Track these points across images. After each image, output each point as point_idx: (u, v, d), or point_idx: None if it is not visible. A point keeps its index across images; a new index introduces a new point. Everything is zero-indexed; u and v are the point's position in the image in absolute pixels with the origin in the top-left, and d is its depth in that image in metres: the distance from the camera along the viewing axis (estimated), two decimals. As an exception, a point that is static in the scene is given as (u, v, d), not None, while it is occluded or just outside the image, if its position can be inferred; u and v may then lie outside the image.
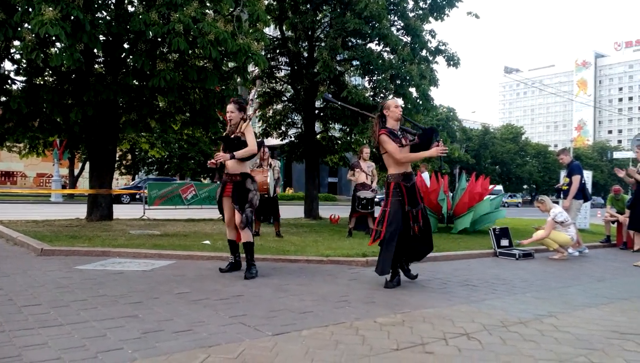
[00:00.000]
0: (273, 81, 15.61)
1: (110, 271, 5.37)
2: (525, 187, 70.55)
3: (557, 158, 9.35)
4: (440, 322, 3.65)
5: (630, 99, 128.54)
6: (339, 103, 6.04)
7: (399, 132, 5.01)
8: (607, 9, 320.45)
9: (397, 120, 4.99)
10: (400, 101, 5.05)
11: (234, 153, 5.06)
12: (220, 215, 5.53)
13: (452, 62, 13.95)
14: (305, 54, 14.57)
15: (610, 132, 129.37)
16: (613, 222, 10.22)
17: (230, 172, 5.20)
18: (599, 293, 4.99)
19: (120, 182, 39.08)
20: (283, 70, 15.63)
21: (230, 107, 5.22)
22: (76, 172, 32.83)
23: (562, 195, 9.00)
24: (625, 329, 3.60)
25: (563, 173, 12.15)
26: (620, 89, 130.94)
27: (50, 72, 10.51)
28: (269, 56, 14.52)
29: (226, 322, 3.47)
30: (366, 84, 14.47)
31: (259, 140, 6.22)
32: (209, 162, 5.25)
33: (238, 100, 5.35)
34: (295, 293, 4.50)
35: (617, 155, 52.89)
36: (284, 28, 14.37)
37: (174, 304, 3.95)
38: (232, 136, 5.19)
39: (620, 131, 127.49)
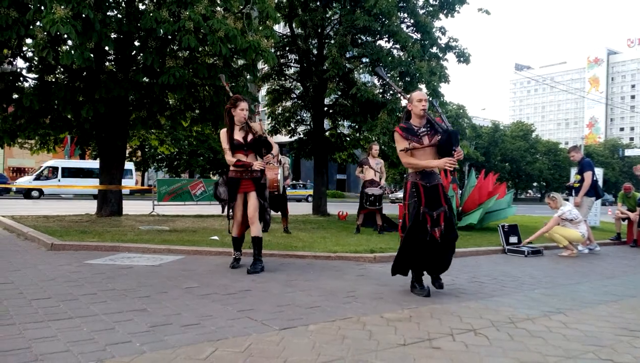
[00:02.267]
0: (282, 78, 15.63)
1: (119, 266, 5.42)
2: (535, 184, 70.07)
3: (568, 155, 9.27)
4: (448, 317, 3.64)
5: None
6: (388, 78, 5.41)
7: (422, 129, 4.41)
8: (619, 5, 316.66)
9: (420, 116, 4.42)
10: (423, 93, 4.55)
11: (272, 153, 5.28)
12: (225, 212, 5.54)
13: (462, 59, 13.89)
14: (315, 51, 14.58)
15: (622, 129, 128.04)
16: (624, 220, 10.12)
17: (254, 169, 5.24)
18: (608, 291, 4.95)
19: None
20: (292, 68, 15.65)
21: (245, 105, 5.20)
22: (87, 168, 33.07)
23: (573, 193, 8.92)
24: (634, 326, 3.57)
25: (574, 170, 12.05)
26: (633, 86, 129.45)
27: (62, 69, 10.60)
28: (278, 53, 14.56)
29: (234, 316, 3.48)
30: (375, 81, 14.45)
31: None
32: (259, 165, 5.23)
33: (247, 99, 5.38)
34: (302, 288, 4.51)
35: (628, 152, 52.40)
36: (293, 25, 14.38)
37: (182, 298, 3.97)
38: (259, 137, 5.22)
39: (632, 128, 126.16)
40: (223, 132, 5.25)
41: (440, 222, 4.36)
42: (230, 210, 5.42)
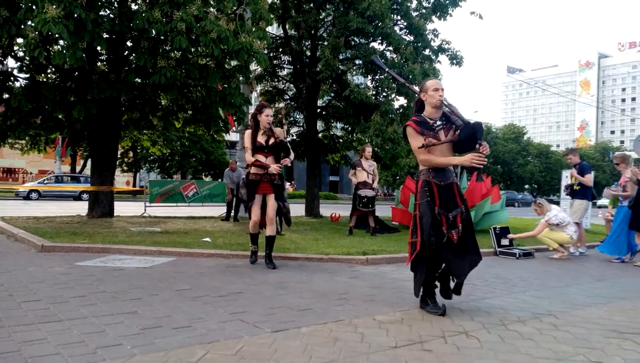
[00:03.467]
0: (275, 80, 15.61)
1: (110, 267, 5.38)
2: (526, 186, 70.49)
3: (565, 158, 9.27)
4: (439, 320, 3.65)
5: (633, 99, 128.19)
6: (387, 69, 5.21)
7: (437, 123, 3.95)
8: (611, 9, 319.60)
9: (437, 107, 3.94)
10: (439, 81, 4.11)
11: (289, 158, 5.77)
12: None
13: (455, 61, 13.96)
14: (308, 53, 14.58)
15: (612, 132, 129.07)
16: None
17: (271, 172, 5.60)
18: (598, 293, 4.99)
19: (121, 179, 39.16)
20: (286, 69, 15.63)
21: (270, 111, 5.71)
22: (78, 169, 32.88)
23: (572, 195, 8.86)
24: (624, 328, 3.60)
25: (565, 172, 12.12)
26: (624, 89, 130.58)
27: (54, 69, 10.53)
28: (271, 55, 14.54)
29: (225, 319, 3.47)
30: (369, 83, 14.48)
31: None
32: (275, 168, 5.57)
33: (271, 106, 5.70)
34: (294, 290, 4.51)
35: (619, 155, 52.75)
36: (286, 27, 14.38)
37: (174, 301, 3.96)
38: (280, 141, 5.71)
39: (622, 131, 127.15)
40: (248, 133, 5.67)
41: (457, 224, 3.88)
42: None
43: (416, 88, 4.24)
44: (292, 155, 5.89)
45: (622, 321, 3.83)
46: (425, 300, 3.95)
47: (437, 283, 4.01)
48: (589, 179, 8.57)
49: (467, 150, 3.87)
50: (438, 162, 3.87)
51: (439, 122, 3.96)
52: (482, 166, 3.71)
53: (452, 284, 4.06)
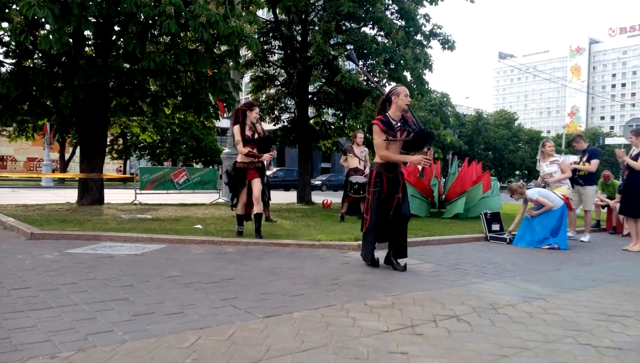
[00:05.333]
0: (266, 65, 15.47)
1: (100, 255, 5.35)
2: (517, 172, 70.97)
3: (572, 144, 9.20)
4: (430, 304, 3.67)
5: (624, 85, 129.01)
6: (360, 65, 5.85)
7: (398, 123, 4.87)
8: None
9: (402, 110, 4.86)
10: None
11: (272, 148, 6.66)
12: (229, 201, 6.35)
13: (447, 45, 13.88)
14: (299, 38, 14.43)
15: (602, 118, 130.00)
16: (603, 207, 10.29)
17: (256, 160, 6.55)
18: (587, 277, 5.04)
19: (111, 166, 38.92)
20: (276, 54, 15.49)
21: (258, 110, 6.59)
22: (67, 156, 32.59)
23: (582, 182, 8.75)
24: (612, 311, 3.64)
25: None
26: (614, 75, 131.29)
27: (40, 54, 10.36)
28: (262, 40, 14.38)
29: (217, 305, 3.47)
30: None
31: None
32: (267, 157, 6.58)
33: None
34: (286, 276, 4.51)
35: (609, 141, 53.16)
36: (277, 11, 14.21)
37: (165, 287, 3.94)
38: (264, 136, 6.60)
39: (612, 117, 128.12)
40: (237, 128, 6.43)
41: (392, 206, 4.92)
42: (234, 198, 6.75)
43: (385, 90, 5.24)
44: (273, 147, 6.85)
45: (611, 304, 3.88)
46: (367, 256, 5.09)
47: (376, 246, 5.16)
48: (595, 164, 8.50)
49: (414, 150, 4.91)
50: (394, 159, 4.86)
51: (399, 123, 4.86)
52: (428, 166, 4.92)
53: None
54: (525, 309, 3.62)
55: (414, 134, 4.76)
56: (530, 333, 3.06)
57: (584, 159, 8.69)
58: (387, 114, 4.87)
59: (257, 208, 6.60)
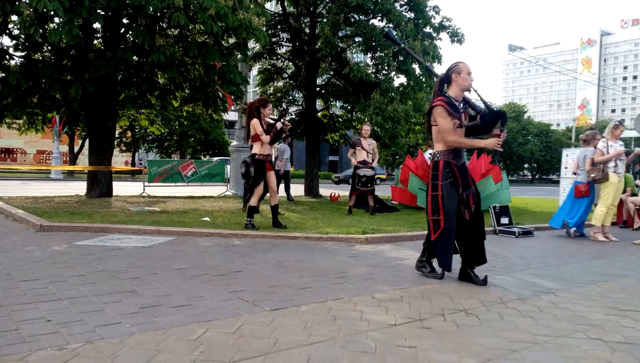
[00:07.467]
0: (274, 57, 15.43)
1: (109, 247, 5.38)
2: (526, 166, 70.46)
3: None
4: (439, 298, 3.65)
5: (635, 77, 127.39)
6: (402, 44, 5.19)
7: (461, 105, 4.17)
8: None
9: (466, 90, 4.18)
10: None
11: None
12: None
13: (456, 38, 13.74)
14: (307, 30, 14.37)
15: (613, 111, 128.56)
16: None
17: (270, 153, 6.99)
18: (597, 271, 4.99)
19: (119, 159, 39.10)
20: (284, 47, 15.44)
21: (270, 105, 6.98)
22: (76, 149, 32.73)
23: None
24: (623, 306, 3.60)
25: (566, 151, 12.04)
26: (625, 67, 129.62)
27: (49, 47, 10.38)
28: (270, 32, 14.33)
29: (225, 297, 3.47)
30: (368, 61, 14.30)
31: None
32: (287, 123, 7.08)
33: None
34: (294, 269, 4.50)
35: (619, 134, 52.52)
36: (285, 3, 14.15)
37: (173, 280, 3.95)
38: (281, 129, 6.90)
39: (623, 110, 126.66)
40: (256, 121, 6.71)
41: (470, 204, 4.16)
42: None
43: (436, 69, 4.68)
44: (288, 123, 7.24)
45: (622, 298, 3.83)
46: (424, 264, 4.44)
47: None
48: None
49: (482, 134, 4.15)
50: (467, 143, 4.12)
51: (461, 105, 4.17)
52: (502, 150, 4.07)
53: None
54: (535, 303, 3.58)
55: (482, 115, 4.15)
56: (539, 327, 3.03)
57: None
58: (447, 94, 4.16)
59: (274, 199, 7.06)
